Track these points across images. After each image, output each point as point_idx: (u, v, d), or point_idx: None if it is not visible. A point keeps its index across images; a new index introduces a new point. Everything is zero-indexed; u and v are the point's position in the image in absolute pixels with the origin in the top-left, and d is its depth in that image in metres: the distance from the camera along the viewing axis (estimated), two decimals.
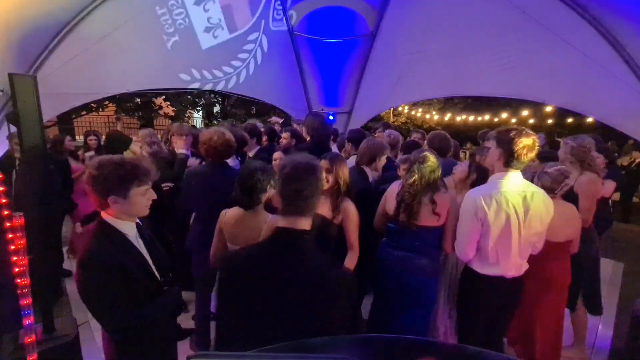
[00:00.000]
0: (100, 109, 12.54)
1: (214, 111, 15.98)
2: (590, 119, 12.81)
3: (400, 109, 18.78)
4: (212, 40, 4.79)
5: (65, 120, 11.28)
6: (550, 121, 15.21)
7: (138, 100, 12.77)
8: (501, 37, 4.03)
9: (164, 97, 13.31)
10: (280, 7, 5.05)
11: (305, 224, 1.06)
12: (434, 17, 4.44)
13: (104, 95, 5.14)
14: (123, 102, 12.49)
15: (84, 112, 12.12)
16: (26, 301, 1.60)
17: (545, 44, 3.75)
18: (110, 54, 4.22)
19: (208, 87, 5.22)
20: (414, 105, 18.26)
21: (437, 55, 4.72)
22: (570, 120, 14.49)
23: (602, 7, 3.31)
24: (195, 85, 5.07)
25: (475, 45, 4.29)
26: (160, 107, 14.38)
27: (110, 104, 12.78)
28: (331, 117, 5.97)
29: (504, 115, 14.98)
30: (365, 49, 5.36)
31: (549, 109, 13.87)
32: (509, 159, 1.71)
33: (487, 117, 15.05)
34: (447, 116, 17.08)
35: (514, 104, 14.80)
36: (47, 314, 2.00)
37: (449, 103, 17.44)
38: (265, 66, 5.32)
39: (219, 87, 5.19)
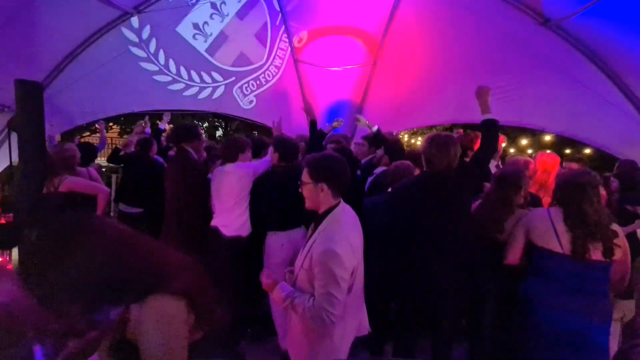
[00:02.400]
0: (105, 131, 12.69)
1: (217, 135, 16.22)
2: (588, 150, 12.98)
3: (400, 137, 19.07)
4: (189, 35, 4.57)
5: (69, 141, 11.40)
6: (548, 151, 15.41)
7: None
8: (499, 67, 4.15)
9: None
10: (287, 41, 5.24)
11: None
12: (434, 48, 4.59)
13: (109, 115, 5.20)
14: (128, 124, 12.68)
15: (88, 133, 12.28)
16: None
17: (543, 74, 3.85)
18: (116, 76, 4.33)
19: (187, 90, 4.82)
20: (414, 133, 18.56)
21: (437, 83, 4.83)
22: (568, 151, 14.68)
23: (597, 41, 3.43)
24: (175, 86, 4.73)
25: (474, 74, 4.39)
26: (164, 130, 14.58)
27: (115, 126, 12.98)
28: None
29: (503, 144, 15.21)
30: (366, 76, 5.49)
31: (547, 138, 14.09)
32: None
33: None
34: None
35: (512, 134, 15.08)
36: None
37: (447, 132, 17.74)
38: (268, 91, 5.43)
39: (194, 93, 4.87)
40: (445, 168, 2.02)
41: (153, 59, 4.45)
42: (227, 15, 4.73)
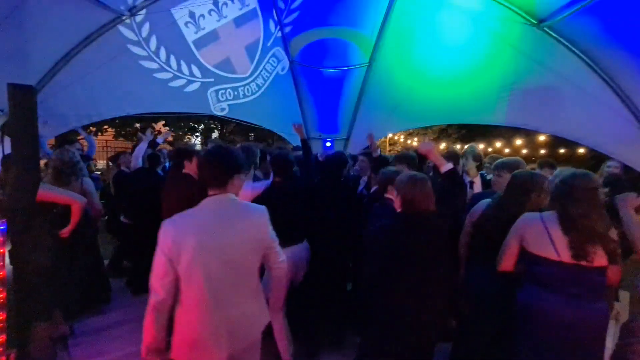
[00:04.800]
0: (100, 133, 12.63)
1: (212, 137, 16.17)
2: (582, 150, 13.12)
3: (396, 137, 19.16)
4: (181, 20, 4.46)
5: (63, 144, 11.31)
6: (543, 151, 15.55)
7: (137, 125, 12.92)
8: (493, 67, 4.18)
9: (163, 122, 13.49)
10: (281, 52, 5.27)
11: None
12: (427, 49, 4.61)
13: (104, 117, 5.17)
14: (122, 126, 12.63)
15: (81, 137, 12.20)
16: None
17: (535, 74, 3.89)
18: (112, 78, 4.31)
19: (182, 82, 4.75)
20: (410, 134, 18.66)
21: (432, 84, 4.86)
22: (562, 151, 14.82)
23: (590, 41, 3.47)
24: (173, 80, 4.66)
25: (468, 75, 4.44)
26: (160, 132, 14.53)
27: (110, 128, 12.92)
28: (328, 144, 6.04)
29: (498, 144, 15.32)
30: (361, 77, 5.51)
31: (542, 138, 14.22)
32: None
33: (481, 146, 15.42)
34: (442, 145, 17.39)
35: (507, 134, 15.18)
36: (22, 337, 1.86)
37: (443, 133, 17.86)
38: (264, 93, 5.43)
39: (167, 78, 4.69)
40: (426, 208, 2.01)
41: (135, 28, 4.25)
42: (225, 17, 4.70)
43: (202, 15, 4.57)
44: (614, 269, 1.82)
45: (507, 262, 1.99)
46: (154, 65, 4.52)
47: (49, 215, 2.56)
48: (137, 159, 4.40)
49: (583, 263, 1.75)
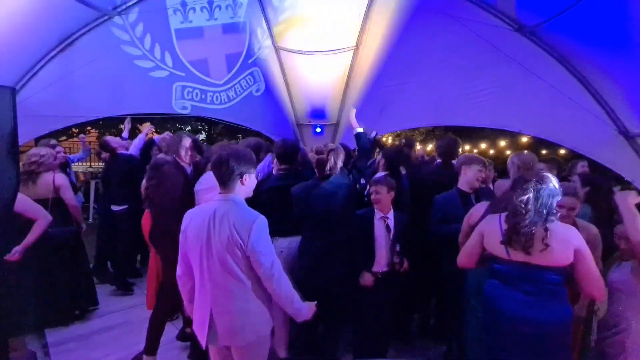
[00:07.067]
0: (83, 135, 12.32)
1: (200, 138, 15.99)
2: (563, 151, 13.52)
3: (384, 139, 19.35)
4: (171, 5, 4.41)
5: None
6: (525, 152, 15.98)
7: (122, 126, 12.65)
8: (478, 71, 4.28)
9: (149, 123, 13.24)
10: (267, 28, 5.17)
11: None
12: (414, 53, 4.64)
13: (85, 119, 5.04)
14: (106, 127, 12.36)
15: (64, 138, 11.89)
16: None
17: (517, 78, 3.99)
18: (94, 79, 4.22)
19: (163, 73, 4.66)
20: (397, 136, 18.87)
21: (418, 86, 4.92)
22: (544, 152, 15.24)
23: (567, 48, 3.59)
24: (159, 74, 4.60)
25: (453, 78, 4.52)
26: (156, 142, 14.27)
27: (93, 130, 12.62)
28: (318, 130, 5.97)
29: (483, 145, 15.66)
30: (349, 61, 5.39)
31: (525, 139, 14.59)
32: None
33: (467, 147, 15.73)
34: (429, 147, 17.64)
35: (492, 136, 15.52)
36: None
37: (430, 135, 18.11)
38: (251, 93, 5.37)
39: (136, 54, 4.49)
40: (330, 172, 2.65)
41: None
42: (215, 19, 4.63)
43: (193, 9, 4.49)
44: (583, 266, 1.74)
45: (468, 260, 2.02)
46: (126, 37, 4.35)
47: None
48: (136, 147, 4.37)
49: (532, 261, 1.75)
